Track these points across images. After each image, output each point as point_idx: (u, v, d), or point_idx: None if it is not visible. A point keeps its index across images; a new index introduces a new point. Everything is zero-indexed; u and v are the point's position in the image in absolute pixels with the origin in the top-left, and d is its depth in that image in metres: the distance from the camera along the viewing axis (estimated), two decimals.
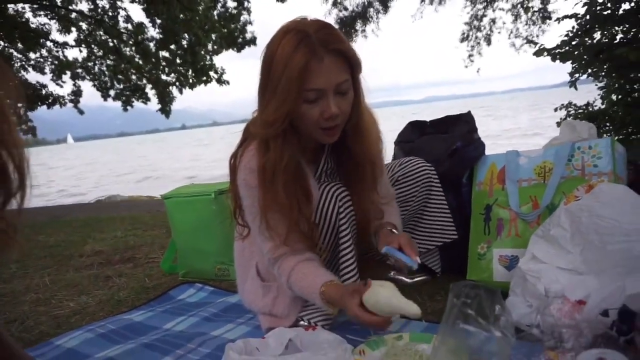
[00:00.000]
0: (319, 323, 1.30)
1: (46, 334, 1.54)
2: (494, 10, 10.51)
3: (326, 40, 1.11)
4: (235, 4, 9.40)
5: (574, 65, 3.69)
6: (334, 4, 10.38)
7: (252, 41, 9.81)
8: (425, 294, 1.54)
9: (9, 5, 8.35)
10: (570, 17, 3.66)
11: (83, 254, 2.70)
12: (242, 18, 9.60)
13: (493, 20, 10.64)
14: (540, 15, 9.37)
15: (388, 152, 1.51)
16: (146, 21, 9.15)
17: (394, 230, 1.34)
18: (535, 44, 3.89)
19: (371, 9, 10.35)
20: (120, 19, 9.47)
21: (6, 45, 9.26)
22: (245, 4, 9.45)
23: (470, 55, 11.13)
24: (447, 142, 1.68)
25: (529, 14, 9.44)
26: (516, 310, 1.22)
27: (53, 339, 1.47)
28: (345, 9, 10.52)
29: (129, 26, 9.57)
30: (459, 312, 0.74)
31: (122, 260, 2.47)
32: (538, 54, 3.87)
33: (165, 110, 10.35)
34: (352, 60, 1.16)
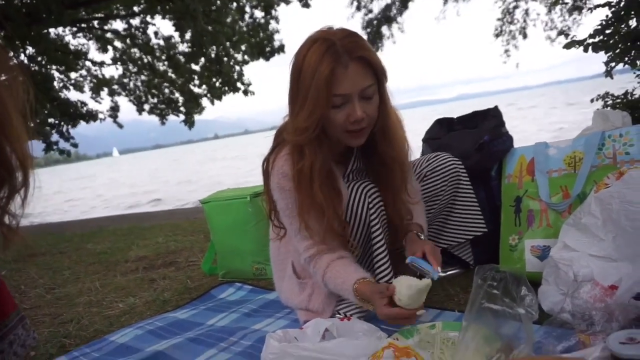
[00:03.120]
0: (354, 316, 1.35)
1: (100, 332, 1.66)
2: (526, 2, 10.30)
3: (351, 48, 1.17)
4: (262, 13, 9.60)
5: (608, 54, 3.59)
6: (358, 8, 10.46)
7: (281, 49, 9.99)
8: (457, 285, 1.56)
9: (50, 30, 8.85)
10: (603, 5, 3.57)
11: (128, 259, 2.85)
12: (269, 27, 9.80)
13: (526, 12, 10.44)
14: (572, 6, 9.13)
15: (415, 151, 1.55)
16: (175, 35, 9.47)
17: (420, 234, 1.39)
18: (568, 35, 3.81)
19: (393, 9, 10.38)
20: (152, 35, 9.86)
21: (48, 67, 9.81)
22: (273, 12, 9.64)
23: (506, 50, 10.95)
24: (475, 137, 1.69)
25: (559, 5, 9.23)
26: (549, 298, 1.23)
27: (107, 336, 1.58)
28: (370, 11, 10.59)
29: (161, 42, 9.95)
30: (485, 293, 0.77)
31: (164, 264, 2.59)
32: (568, 46, 3.79)
33: (190, 121, 10.63)
34: (376, 66, 1.21)
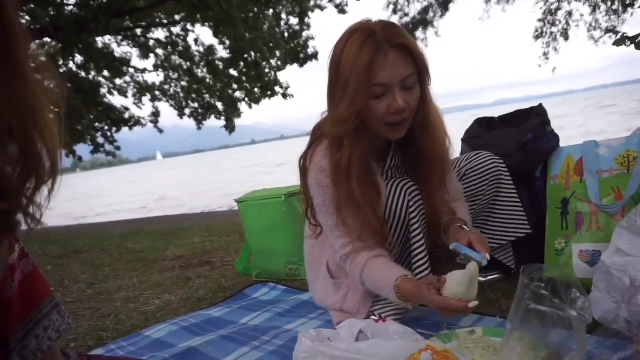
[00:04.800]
0: (390, 317, 1.31)
1: (136, 327, 1.69)
2: (569, 3, 9.91)
3: (390, 37, 1.14)
4: (297, 20, 9.70)
5: None
6: (394, 11, 10.39)
7: (314, 56, 10.06)
8: (499, 291, 1.49)
9: (97, 39, 9.26)
10: None
11: (165, 258, 2.90)
12: (304, 34, 9.89)
13: (569, 13, 10.05)
14: (622, 3, 8.70)
15: (455, 150, 1.49)
16: (215, 42, 9.70)
17: (464, 226, 1.32)
18: (617, 33, 3.63)
19: (430, 12, 10.25)
20: (192, 43, 10.14)
21: (95, 74, 10.27)
22: (307, 20, 9.72)
23: (545, 54, 10.58)
24: (518, 136, 1.62)
25: (609, 2, 8.80)
26: (601, 306, 1.15)
27: (142, 331, 1.60)
28: (406, 15, 10.49)
29: (201, 49, 10.22)
30: (531, 293, 0.72)
31: (200, 264, 2.62)
32: (618, 43, 3.59)
33: (231, 126, 10.83)
34: (417, 54, 1.17)
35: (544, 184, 1.60)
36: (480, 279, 1.61)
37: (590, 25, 9.82)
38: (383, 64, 1.13)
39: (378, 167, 1.33)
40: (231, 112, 10.66)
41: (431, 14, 10.58)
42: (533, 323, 0.82)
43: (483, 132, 1.78)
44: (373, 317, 1.33)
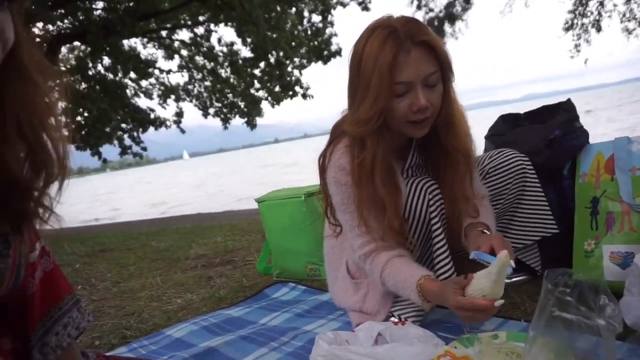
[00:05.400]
0: (410, 319, 1.28)
1: (159, 325, 1.71)
2: None
3: (412, 33, 1.11)
4: (320, 17, 9.69)
5: None
6: (418, 7, 10.27)
7: (338, 53, 10.03)
8: (524, 293, 1.44)
9: (124, 41, 9.47)
10: None
11: (188, 257, 2.94)
12: (327, 31, 9.88)
13: (601, 3, 9.69)
14: None
15: (478, 149, 1.44)
16: (238, 41, 9.79)
17: (485, 231, 1.26)
18: None
19: (457, 6, 10.07)
20: (215, 43, 10.26)
21: (122, 76, 10.51)
22: (329, 17, 9.70)
23: (576, 45, 10.25)
24: (544, 132, 1.56)
25: None
26: (633, 311, 1.09)
27: (164, 330, 1.62)
28: (431, 10, 10.36)
29: (224, 49, 10.33)
30: (556, 300, 0.68)
31: (222, 263, 2.64)
32: None
33: (252, 123, 10.93)
34: (439, 52, 1.14)
35: (572, 182, 1.54)
36: (505, 280, 1.57)
37: (624, 15, 9.46)
38: (405, 61, 1.10)
39: (398, 166, 1.30)
40: (252, 110, 10.75)
41: (458, 8, 10.41)
42: (558, 328, 0.79)
43: (507, 129, 1.72)
44: (393, 318, 1.31)
